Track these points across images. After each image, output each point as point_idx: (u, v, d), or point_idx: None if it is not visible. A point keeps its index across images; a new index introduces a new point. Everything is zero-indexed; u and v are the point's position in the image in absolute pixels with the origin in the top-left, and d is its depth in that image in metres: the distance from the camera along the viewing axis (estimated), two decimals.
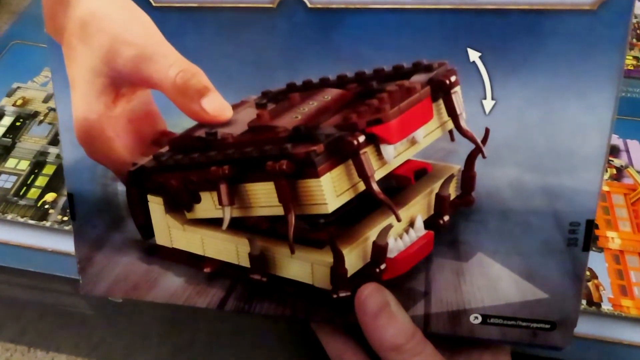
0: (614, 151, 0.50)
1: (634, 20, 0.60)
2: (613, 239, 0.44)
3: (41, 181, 0.48)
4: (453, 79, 0.29)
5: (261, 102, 0.32)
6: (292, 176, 0.29)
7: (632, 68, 0.56)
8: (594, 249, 0.43)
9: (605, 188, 0.47)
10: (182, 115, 0.32)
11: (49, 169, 0.49)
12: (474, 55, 0.28)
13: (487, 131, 0.30)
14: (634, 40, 0.59)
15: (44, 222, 0.45)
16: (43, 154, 0.50)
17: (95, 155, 0.33)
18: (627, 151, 0.51)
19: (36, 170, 0.49)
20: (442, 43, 0.29)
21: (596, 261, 0.42)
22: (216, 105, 0.31)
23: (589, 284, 0.41)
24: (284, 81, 0.31)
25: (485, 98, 0.29)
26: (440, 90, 0.29)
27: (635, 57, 0.57)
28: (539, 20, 0.27)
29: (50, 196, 0.47)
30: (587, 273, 0.41)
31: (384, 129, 0.29)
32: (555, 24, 0.27)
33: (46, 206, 0.46)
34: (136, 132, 0.33)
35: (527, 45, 0.28)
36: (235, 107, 0.32)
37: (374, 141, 0.29)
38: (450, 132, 0.31)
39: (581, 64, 0.28)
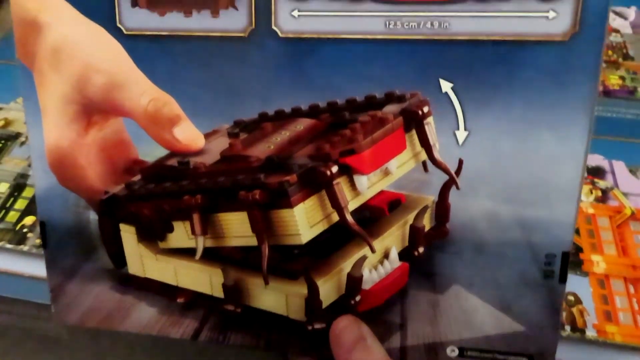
0: (599, 173, 0.50)
1: (620, 40, 0.61)
2: (598, 263, 0.43)
3: (20, 204, 0.48)
4: (426, 109, 0.29)
5: (233, 132, 0.31)
6: (265, 206, 0.28)
7: (617, 88, 0.56)
8: (578, 273, 0.42)
9: (590, 210, 0.47)
10: (154, 143, 0.31)
11: (28, 192, 0.48)
12: (446, 85, 0.28)
13: (460, 162, 0.29)
14: (620, 60, 0.59)
15: (22, 246, 0.44)
16: (23, 176, 0.49)
17: (67, 183, 0.33)
18: (613, 172, 0.51)
19: (16, 193, 0.48)
20: (415, 73, 0.28)
21: (580, 286, 0.41)
22: (188, 134, 0.31)
23: (573, 309, 0.40)
24: (256, 110, 0.31)
25: (458, 129, 0.29)
26: (413, 121, 0.29)
27: (621, 77, 0.57)
28: (511, 51, 0.27)
29: (29, 219, 0.46)
30: (571, 298, 0.41)
31: (357, 159, 0.28)
32: (527, 55, 0.27)
33: (24, 230, 0.45)
34: (108, 160, 0.33)
35: (499, 76, 0.28)
36: (207, 136, 0.32)
37: (348, 172, 0.29)
38: (424, 163, 0.31)
39: (554, 95, 0.27)
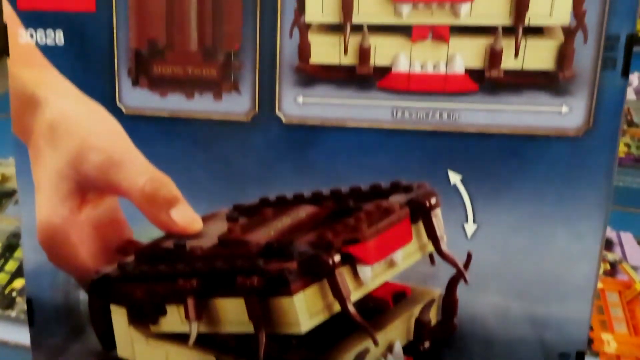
0: (607, 245, 0.49)
1: (624, 106, 0.60)
2: (609, 342, 0.42)
3: (11, 265, 0.46)
4: (433, 201, 0.28)
5: (232, 216, 0.30)
6: (263, 293, 0.27)
7: (623, 155, 0.56)
8: (588, 353, 0.41)
9: (599, 285, 0.46)
10: (149, 224, 0.30)
11: (20, 253, 0.47)
12: (454, 177, 0.27)
13: (469, 256, 0.28)
14: (625, 127, 0.59)
15: (10, 310, 0.43)
16: (16, 235, 0.48)
17: (58, 261, 0.32)
18: (621, 244, 0.49)
19: (7, 254, 0.47)
20: (422, 164, 0.28)
21: None
22: (185, 216, 0.30)
23: None
24: (256, 195, 0.30)
25: (467, 222, 0.28)
26: (420, 212, 0.28)
27: (626, 144, 0.57)
28: (523, 145, 0.27)
29: (19, 282, 0.45)
30: None
31: (361, 249, 0.27)
32: (539, 150, 0.26)
33: (13, 294, 0.44)
34: (101, 239, 0.32)
35: (510, 169, 0.27)
36: (205, 219, 0.31)
37: (351, 261, 0.27)
38: (431, 255, 0.30)
39: (567, 191, 0.27)
